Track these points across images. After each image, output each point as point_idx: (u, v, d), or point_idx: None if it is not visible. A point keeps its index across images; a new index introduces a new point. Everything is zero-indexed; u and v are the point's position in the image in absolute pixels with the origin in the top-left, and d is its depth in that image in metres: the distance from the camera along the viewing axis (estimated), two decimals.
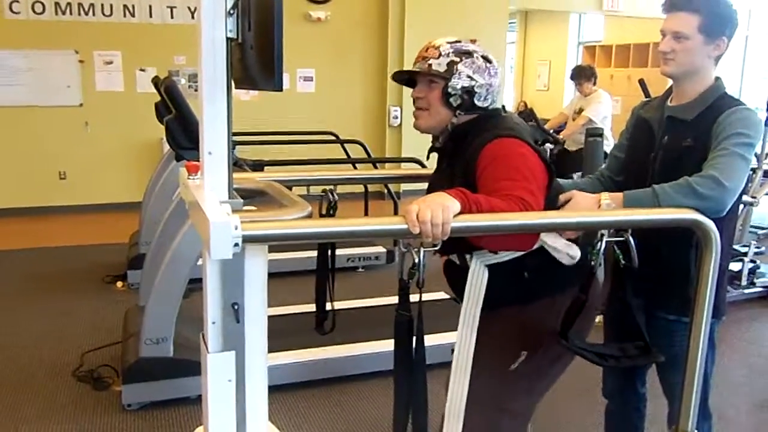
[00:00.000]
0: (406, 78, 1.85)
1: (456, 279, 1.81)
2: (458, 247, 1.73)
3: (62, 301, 4.26)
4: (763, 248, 4.66)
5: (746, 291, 4.36)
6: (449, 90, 1.72)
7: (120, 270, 4.63)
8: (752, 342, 3.83)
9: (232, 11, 1.42)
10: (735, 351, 3.64)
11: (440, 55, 1.73)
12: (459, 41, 1.77)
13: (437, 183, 1.81)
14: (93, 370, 3.20)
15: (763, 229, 6.02)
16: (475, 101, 1.74)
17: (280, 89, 1.32)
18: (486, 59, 1.76)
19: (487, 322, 1.67)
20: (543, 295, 1.73)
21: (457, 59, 1.72)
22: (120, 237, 5.26)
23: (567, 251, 1.67)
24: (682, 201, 1.62)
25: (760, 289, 4.45)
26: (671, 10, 1.83)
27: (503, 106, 1.89)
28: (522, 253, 1.65)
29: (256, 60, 1.39)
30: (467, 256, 1.70)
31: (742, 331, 3.95)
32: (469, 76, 1.72)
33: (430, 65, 1.73)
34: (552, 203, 1.69)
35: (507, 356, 1.75)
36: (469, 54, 1.74)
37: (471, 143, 1.69)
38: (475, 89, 1.73)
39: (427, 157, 1.94)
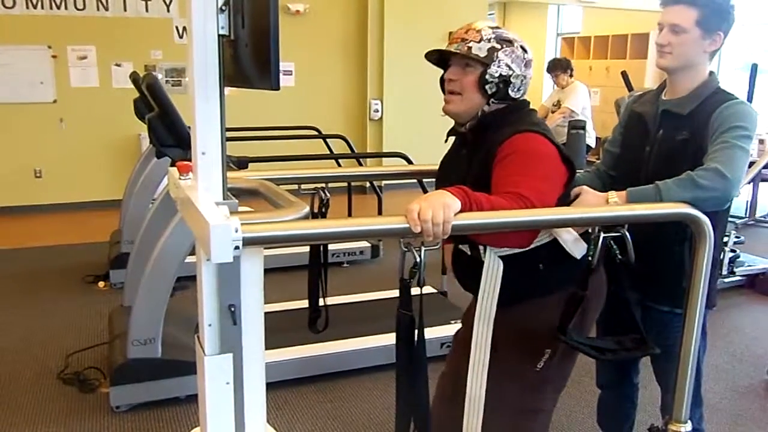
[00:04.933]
0: (436, 57, 1.79)
1: (466, 271, 1.79)
2: (467, 239, 1.71)
3: (43, 302, 4.18)
4: (742, 238, 4.73)
5: (726, 280, 4.43)
6: (487, 77, 1.68)
7: (100, 269, 4.55)
8: (733, 329, 3.89)
9: (224, 8, 1.40)
10: (717, 338, 3.70)
11: (482, 39, 1.68)
12: (500, 27, 1.73)
13: (452, 167, 1.78)
14: (79, 372, 3.15)
15: (741, 218, 6.13)
16: (509, 91, 1.70)
17: (278, 88, 1.30)
18: (524, 50, 1.73)
19: (506, 320, 1.65)
20: (558, 288, 1.71)
21: (498, 46, 1.68)
22: (99, 236, 5.18)
23: (573, 249, 1.67)
24: (685, 195, 1.62)
25: (740, 278, 4.53)
26: (670, 3, 1.84)
27: None
28: (536, 245, 1.63)
29: (251, 58, 1.37)
30: (480, 248, 1.67)
31: (723, 318, 4.02)
32: (507, 65, 1.68)
33: (470, 48, 1.68)
34: (566, 199, 1.69)
35: (532, 356, 1.74)
36: (510, 42, 1.70)
37: (495, 133, 1.66)
38: (511, 79, 1.69)
39: (446, 140, 1.88)
